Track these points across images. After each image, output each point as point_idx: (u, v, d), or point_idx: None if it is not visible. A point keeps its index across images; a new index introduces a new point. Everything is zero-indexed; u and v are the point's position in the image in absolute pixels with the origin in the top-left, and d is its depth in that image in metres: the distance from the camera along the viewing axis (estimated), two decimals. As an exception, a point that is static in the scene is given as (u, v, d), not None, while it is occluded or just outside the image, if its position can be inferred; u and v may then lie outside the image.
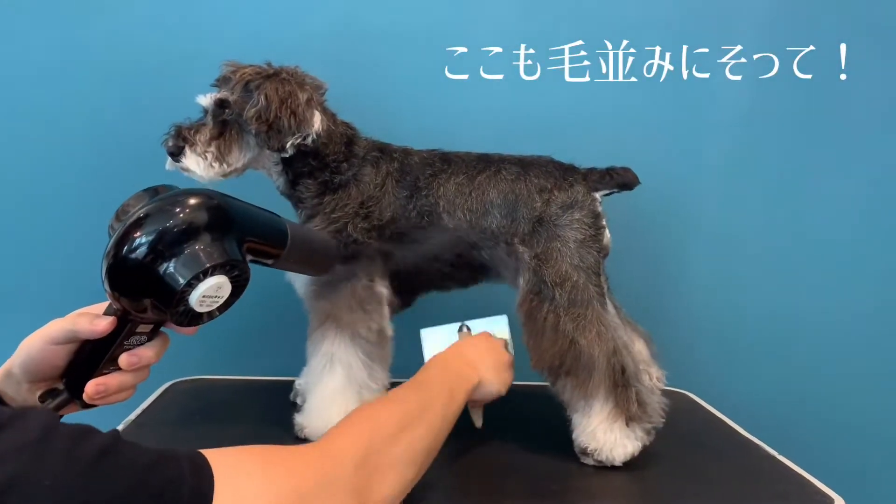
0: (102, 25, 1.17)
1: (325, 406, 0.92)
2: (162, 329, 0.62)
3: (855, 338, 1.30)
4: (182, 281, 0.53)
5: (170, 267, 0.53)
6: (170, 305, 0.54)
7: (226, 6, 1.18)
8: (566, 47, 1.22)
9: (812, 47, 1.22)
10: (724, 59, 1.23)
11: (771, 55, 1.23)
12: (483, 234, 0.94)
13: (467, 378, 0.80)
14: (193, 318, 0.56)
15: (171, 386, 1.15)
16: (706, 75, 1.23)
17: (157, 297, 0.54)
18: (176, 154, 0.89)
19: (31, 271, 1.23)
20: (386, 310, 0.96)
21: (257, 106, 0.86)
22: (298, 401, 1.02)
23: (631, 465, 0.87)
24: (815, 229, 1.28)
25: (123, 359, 0.59)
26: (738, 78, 1.23)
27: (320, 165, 0.93)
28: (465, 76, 1.21)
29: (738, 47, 1.22)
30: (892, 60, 1.24)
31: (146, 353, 0.60)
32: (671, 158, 1.24)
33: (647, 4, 1.21)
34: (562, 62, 1.22)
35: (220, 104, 0.89)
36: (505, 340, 0.95)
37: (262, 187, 0.92)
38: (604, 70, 1.22)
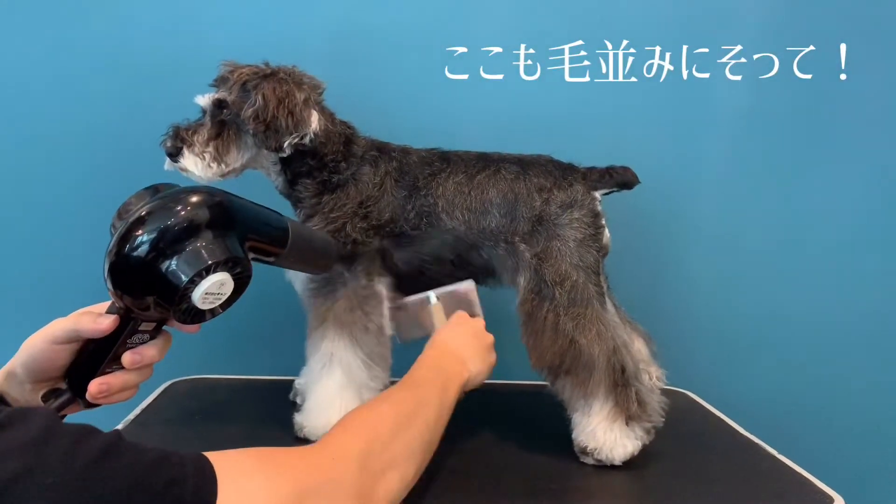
0: (102, 25, 1.17)
1: (324, 405, 0.92)
2: (165, 327, 0.62)
3: (854, 337, 1.30)
4: (184, 278, 0.53)
5: (172, 264, 0.53)
6: (172, 303, 0.54)
7: (226, 5, 1.18)
8: (566, 47, 1.22)
9: (812, 47, 1.22)
10: (724, 59, 1.23)
11: (771, 55, 1.23)
12: (482, 233, 0.94)
13: (458, 375, 0.81)
14: (196, 316, 0.56)
15: (170, 385, 1.15)
16: (706, 75, 1.23)
17: (160, 295, 0.54)
18: (174, 154, 0.89)
19: (31, 272, 1.23)
20: (385, 309, 0.96)
21: (255, 106, 0.86)
22: (298, 400, 1.02)
23: (630, 464, 0.87)
24: (815, 229, 1.28)
25: (126, 357, 0.59)
26: (738, 78, 1.23)
27: (319, 165, 0.93)
28: (464, 75, 1.21)
29: (738, 47, 1.22)
30: (892, 60, 1.24)
31: (149, 351, 0.60)
32: (671, 158, 1.24)
33: (647, 4, 1.21)
34: (561, 62, 1.22)
35: (218, 104, 0.90)
36: (479, 315, 0.94)
37: (260, 187, 0.92)
38: (603, 70, 1.22)
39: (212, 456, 0.49)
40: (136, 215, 0.53)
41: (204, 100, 0.91)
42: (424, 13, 1.20)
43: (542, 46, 1.22)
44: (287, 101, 0.86)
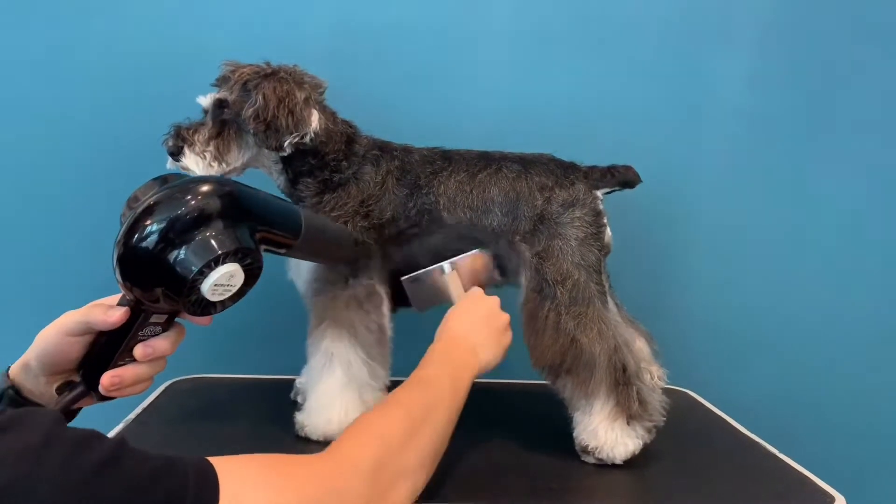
0: (103, 25, 1.16)
1: (325, 404, 0.92)
2: (177, 320, 0.61)
3: (855, 336, 1.30)
4: (194, 269, 0.52)
5: (180, 255, 0.52)
6: (181, 294, 0.53)
7: (227, 5, 1.18)
8: (567, 45, 1.21)
9: (812, 47, 1.22)
10: (725, 59, 1.23)
11: (771, 55, 1.23)
12: (484, 232, 0.94)
13: (469, 365, 0.79)
14: (206, 308, 0.55)
15: (171, 384, 1.15)
16: (706, 75, 1.23)
17: (169, 286, 0.53)
18: (175, 154, 0.89)
19: (35, 269, 1.22)
20: (386, 308, 0.96)
21: (255, 105, 0.86)
22: (299, 399, 1.02)
23: (631, 463, 0.87)
24: (816, 228, 1.28)
25: (138, 350, 0.58)
26: (739, 77, 1.23)
27: (320, 164, 0.93)
28: (465, 74, 1.21)
29: (739, 47, 1.22)
30: (893, 60, 1.23)
31: (161, 343, 0.59)
32: (673, 157, 1.24)
33: (648, 4, 1.21)
34: (562, 61, 1.22)
35: (219, 104, 0.90)
36: (495, 280, 0.93)
37: (262, 186, 0.92)
38: (605, 69, 1.22)
39: (216, 462, 0.48)
40: (145, 205, 0.53)
41: (205, 100, 0.91)
42: (425, 12, 1.20)
43: (543, 44, 1.21)
44: (287, 100, 0.86)
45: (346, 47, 1.18)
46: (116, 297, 0.58)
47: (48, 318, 0.59)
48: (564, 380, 0.89)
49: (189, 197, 0.54)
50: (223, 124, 0.90)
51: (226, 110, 0.89)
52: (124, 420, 0.97)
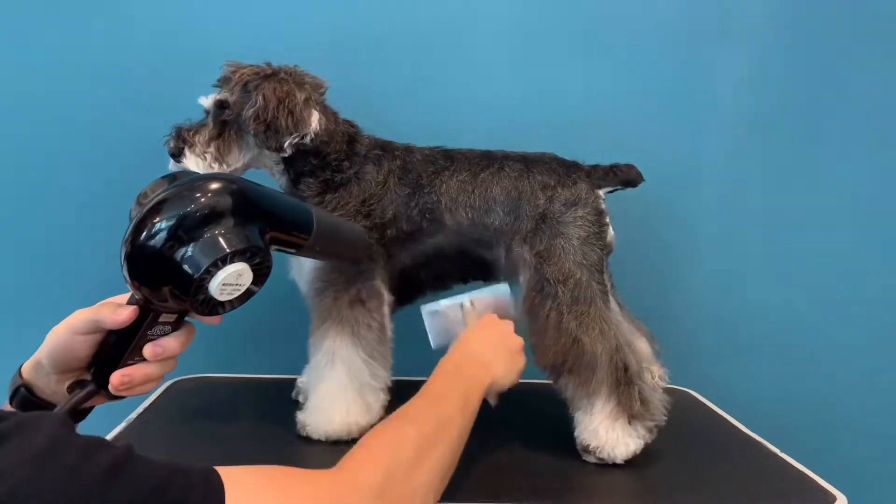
0: (105, 25, 1.16)
1: (326, 404, 0.92)
2: (187, 319, 0.60)
3: (856, 335, 1.30)
4: (201, 267, 0.51)
5: (188, 253, 0.51)
6: (189, 293, 0.52)
7: (229, 4, 1.18)
8: (568, 45, 1.21)
9: (812, 47, 1.22)
10: (724, 59, 1.22)
11: (771, 55, 1.22)
12: (486, 231, 0.94)
13: (481, 381, 0.77)
14: (214, 308, 0.55)
15: (173, 384, 1.15)
16: (707, 75, 1.23)
17: (176, 285, 0.52)
18: (176, 155, 0.89)
19: (47, 266, 1.22)
20: (387, 308, 0.96)
21: (255, 106, 0.86)
22: (301, 399, 1.02)
23: (633, 462, 0.87)
24: (817, 227, 1.28)
25: (147, 349, 0.58)
26: (740, 77, 1.23)
27: (321, 164, 0.93)
28: (467, 74, 1.21)
29: (739, 47, 1.22)
30: (893, 60, 1.23)
31: (170, 343, 0.59)
32: (674, 156, 1.24)
33: (648, 4, 1.21)
34: (564, 60, 1.22)
35: (220, 105, 0.90)
36: (511, 315, 0.91)
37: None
38: (606, 68, 1.22)
39: (225, 473, 0.47)
40: (153, 202, 0.52)
41: (206, 100, 0.91)
42: (427, 12, 1.19)
43: (545, 45, 1.21)
44: (287, 101, 0.86)
45: (348, 47, 1.18)
46: (126, 296, 0.58)
47: (59, 315, 0.59)
48: (566, 379, 0.89)
49: (198, 194, 0.53)
50: (224, 125, 0.90)
51: (226, 111, 0.89)
52: (126, 419, 0.97)
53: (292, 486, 0.51)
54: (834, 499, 0.81)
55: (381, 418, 0.78)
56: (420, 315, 0.92)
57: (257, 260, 0.55)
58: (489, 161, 0.95)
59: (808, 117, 1.25)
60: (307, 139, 0.89)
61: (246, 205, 0.55)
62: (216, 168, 0.89)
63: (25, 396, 0.60)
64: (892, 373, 1.32)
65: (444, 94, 1.21)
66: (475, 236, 0.95)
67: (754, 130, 1.25)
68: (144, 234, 0.51)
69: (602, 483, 0.85)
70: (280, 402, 1.07)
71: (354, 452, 0.60)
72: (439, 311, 0.91)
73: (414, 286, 1.02)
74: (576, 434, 0.89)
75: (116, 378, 0.57)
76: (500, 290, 0.94)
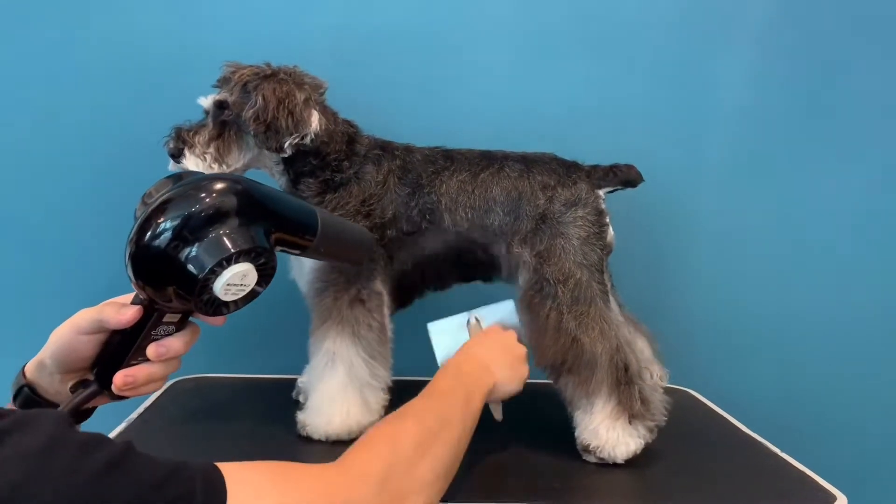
0: (104, 26, 1.16)
1: (326, 404, 0.92)
2: (191, 319, 0.60)
3: (857, 335, 1.30)
4: (206, 267, 0.51)
5: (192, 253, 0.51)
6: (193, 293, 0.52)
7: (229, 4, 1.18)
8: (568, 46, 1.21)
9: (812, 47, 1.22)
10: (725, 59, 1.22)
11: (771, 55, 1.22)
12: (486, 231, 0.94)
13: (483, 383, 0.78)
14: (218, 308, 0.54)
15: (173, 384, 1.15)
16: (707, 74, 1.23)
17: (180, 285, 0.52)
18: (176, 156, 0.89)
19: (50, 266, 1.22)
20: (387, 308, 0.96)
21: (255, 107, 0.86)
22: (301, 398, 1.02)
23: (633, 462, 0.87)
24: (817, 227, 1.28)
25: (151, 349, 0.58)
26: (739, 77, 1.23)
27: (321, 164, 0.93)
28: (467, 74, 1.21)
29: (739, 47, 1.22)
30: (893, 60, 1.23)
31: (174, 343, 0.59)
32: (674, 156, 1.24)
33: (648, 4, 1.21)
34: (564, 60, 1.22)
35: (220, 105, 0.90)
36: (517, 330, 0.92)
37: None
38: (606, 68, 1.22)
39: (224, 468, 0.47)
40: (158, 202, 0.52)
41: (206, 101, 0.91)
42: (426, 12, 1.19)
43: (545, 45, 1.21)
44: (287, 101, 0.86)
45: (348, 48, 1.18)
46: (130, 296, 0.58)
47: (63, 315, 0.59)
48: (566, 379, 0.89)
49: (203, 194, 0.53)
50: (224, 126, 0.90)
51: (226, 111, 0.89)
52: (127, 419, 0.97)
53: (293, 480, 0.51)
54: (834, 498, 0.81)
55: (382, 418, 0.78)
56: (425, 329, 0.93)
57: (262, 260, 0.55)
58: (489, 161, 0.95)
59: (808, 117, 1.25)
60: (307, 139, 0.89)
61: (251, 205, 0.55)
62: (216, 168, 0.89)
63: (29, 396, 0.60)
64: (892, 373, 1.32)
65: (444, 94, 1.21)
66: (475, 236, 0.95)
67: (754, 130, 1.25)
68: (149, 233, 0.51)
69: (602, 483, 0.85)
70: (280, 402, 1.07)
71: (356, 447, 0.60)
72: (444, 328, 0.93)
73: (414, 286, 1.02)
74: (576, 434, 0.89)
75: (120, 378, 0.57)
76: (506, 307, 0.95)
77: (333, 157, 0.93)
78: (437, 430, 0.65)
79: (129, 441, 0.45)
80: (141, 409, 1.02)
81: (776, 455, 0.95)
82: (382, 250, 0.95)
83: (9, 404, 0.61)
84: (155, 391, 0.60)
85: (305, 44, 1.16)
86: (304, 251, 0.63)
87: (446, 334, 0.92)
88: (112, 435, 0.89)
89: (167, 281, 0.52)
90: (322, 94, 0.93)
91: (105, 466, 0.41)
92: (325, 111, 0.93)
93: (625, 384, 0.87)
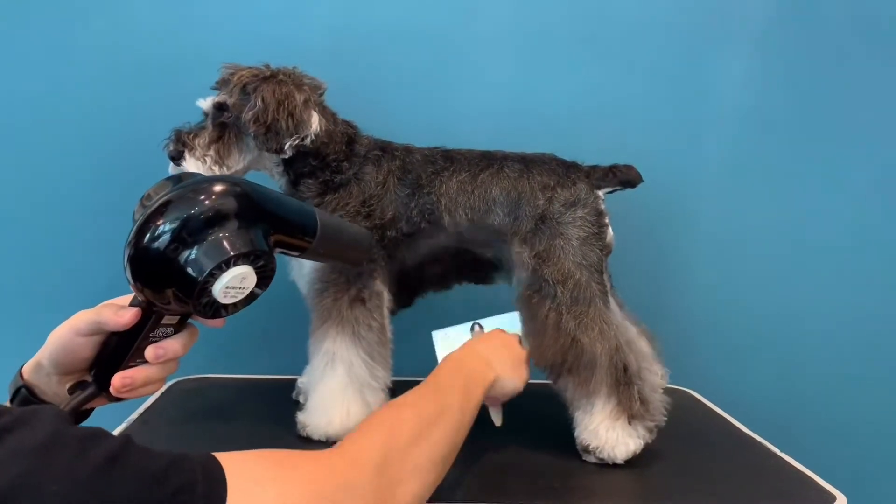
0: (104, 27, 1.16)
1: (326, 404, 0.92)
2: (189, 321, 0.60)
3: (857, 335, 1.30)
4: (205, 270, 0.51)
5: (192, 256, 0.51)
6: (192, 296, 0.52)
7: (229, 5, 1.18)
8: (568, 46, 1.21)
9: (812, 47, 1.22)
10: (725, 59, 1.22)
11: (771, 55, 1.23)
12: (486, 231, 0.94)
13: (483, 376, 0.79)
14: (218, 310, 0.55)
15: (173, 385, 1.15)
16: (707, 74, 1.23)
17: (179, 288, 0.52)
18: (176, 158, 0.89)
19: (47, 267, 1.22)
20: (387, 309, 0.96)
21: (254, 108, 0.86)
22: (301, 399, 1.02)
23: (633, 462, 0.87)
24: (817, 227, 1.28)
25: (149, 351, 0.58)
26: (739, 77, 1.23)
27: (321, 165, 0.93)
28: (467, 74, 1.21)
29: (739, 47, 1.22)
30: (893, 60, 1.23)
31: (172, 345, 0.59)
32: (674, 157, 1.24)
33: (648, 4, 1.21)
34: (563, 61, 1.22)
35: (219, 107, 0.90)
36: (519, 336, 0.92)
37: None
38: (606, 69, 1.22)
39: (222, 458, 0.47)
40: (157, 204, 0.52)
41: (205, 103, 0.91)
42: (426, 12, 1.20)
43: (545, 46, 1.21)
44: (287, 102, 0.86)
45: (348, 48, 1.18)
46: (128, 298, 0.58)
47: (60, 316, 0.59)
48: (566, 379, 0.89)
49: (202, 197, 0.52)
50: (223, 127, 0.90)
51: (225, 113, 0.89)
52: (127, 420, 0.97)
53: (291, 467, 0.52)
54: (833, 499, 0.81)
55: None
56: (429, 336, 0.94)
57: (261, 263, 0.55)
58: (489, 161, 0.95)
59: (807, 117, 1.25)
60: (307, 140, 0.89)
61: (250, 207, 0.55)
62: (216, 171, 0.89)
63: (26, 397, 0.60)
64: (892, 373, 1.32)
65: (444, 94, 1.21)
66: (475, 237, 0.95)
67: (754, 130, 1.25)
68: (148, 235, 0.51)
69: (602, 483, 0.85)
70: (280, 402, 1.07)
71: (354, 433, 0.61)
72: (449, 336, 0.94)
73: (414, 286, 1.02)
74: (576, 434, 0.89)
75: (118, 380, 0.57)
76: (511, 317, 0.95)
77: (333, 158, 0.93)
78: (434, 419, 0.65)
79: (128, 435, 0.45)
80: (141, 409, 1.02)
81: (776, 455, 0.95)
82: (382, 251, 0.95)
83: (5, 404, 0.61)
84: (153, 393, 0.60)
85: (305, 44, 1.16)
86: (303, 253, 0.63)
87: (450, 341, 0.93)
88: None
89: (166, 283, 0.52)
90: (321, 94, 0.93)
91: (106, 460, 0.41)
92: (324, 112, 0.93)
93: (624, 384, 0.87)
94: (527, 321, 0.91)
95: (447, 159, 0.96)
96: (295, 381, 1.08)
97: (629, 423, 0.87)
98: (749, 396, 1.25)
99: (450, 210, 0.94)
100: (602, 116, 1.22)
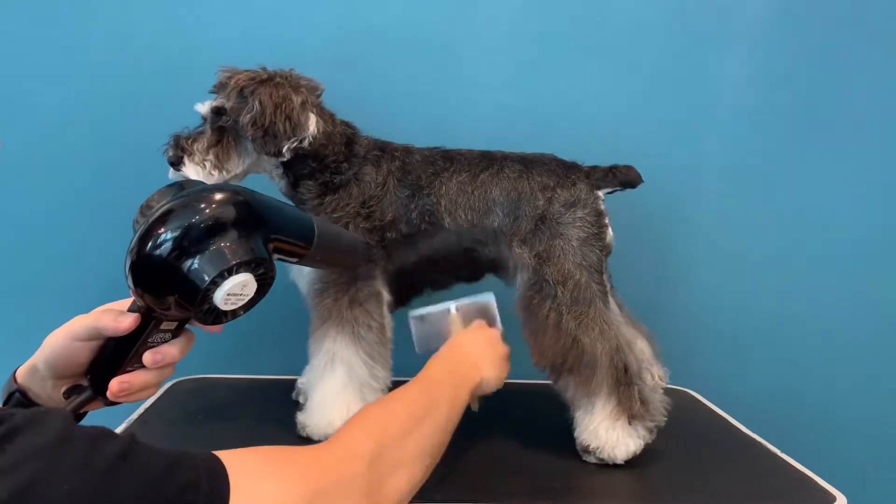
0: (104, 26, 1.16)
1: (326, 404, 0.92)
2: (187, 326, 0.61)
3: (857, 335, 1.30)
4: (207, 278, 0.51)
5: (194, 264, 0.52)
6: (194, 303, 0.53)
7: (228, 5, 1.18)
8: (568, 46, 1.21)
9: (812, 47, 1.22)
10: (725, 59, 1.23)
11: (771, 55, 1.23)
12: (485, 232, 0.94)
13: (470, 378, 0.80)
14: (218, 317, 0.55)
15: (174, 385, 1.15)
16: (707, 74, 1.23)
17: (181, 295, 0.53)
18: (176, 164, 0.89)
19: (45, 271, 1.22)
20: (386, 309, 0.96)
21: (252, 112, 0.86)
22: (301, 399, 1.02)
23: (633, 463, 0.87)
24: (817, 228, 1.28)
25: (147, 357, 0.58)
26: (739, 77, 1.23)
27: (320, 166, 0.93)
28: (467, 74, 1.21)
29: (739, 47, 1.22)
30: (893, 60, 1.23)
31: (170, 350, 0.59)
32: (674, 157, 1.24)
33: (648, 4, 1.21)
34: (563, 61, 1.22)
35: (217, 111, 0.90)
36: (500, 328, 0.92)
37: (264, 190, 0.92)
38: (606, 69, 1.22)
39: (223, 456, 0.49)
40: (159, 212, 0.52)
41: (203, 107, 0.91)
42: (425, 12, 1.19)
43: (545, 46, 1.21)
44: (284, 105, 0.86)
45: (347, 49, 1.18)
46: (126, 302, 0.58)
47: (57, 321, 0.59)
48: (566, 379, 0.89)
49: (203, 205, 0.53)
50: (222, 132, 0.90)
51: (223, 118, 0.89)
52: (127, 420, 0.98)
53: (289, 461, 0.54)
54: (833, 499, 0.81)
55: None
56: (407, 320, 0.94)
57: (261, 270, 0.55)
58: (488, 162, 0.95)
59: (807, 117, 1.25)
60: (305, 143, 0.89)
61: (251, 216, 0.56)
62: (216, 175, 0.89)
63: (20, 401, 0.60)
64: (892, 373, 1.32)
65: (444, 94, 1.21)
66: (475, 237, 0.95)
67: (754, 130, 1.25)
68: (150, 243, 0.52)
69: (602, 483, 0.85)
70: (280, 402, 1.07)
71: (347, 427, 0.63)
72: (426, 317, 0.94)
73: (414, 287, 1.02)
74: (576, 434, 0.89)
75: (115, 385, 0.57)
76: (486, 298, 0.95)
77: (332, 159, 0.93)
78: (423, 413, 0.67)
79: (132, 433, 0.46)
80: (141, 409, 1.02)
81: (776, 455, 0.95)
82: (382, 251, 0.95)
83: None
84: (149, 397, 0.60)
85: (302, 45, 1.16)
86: (300, 259, 0.64)
87: (427, 323, 0.94)
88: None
89: (168, 291, 0.53)
90: (319, 96, 0.93)
91: (114, 459, 0.42)
92: (322, 113, 0.93)
93: (624, 385, 0.87)
94: (527, 321, 0.91)
95: (447, 160, 0.96)
96: (295, 381, 1.08)
97: (629, 423, 0.87)
98: (749, 396, 1.26)
99: (450, 211, 0.94)
100: (602, 116, 1.22)
